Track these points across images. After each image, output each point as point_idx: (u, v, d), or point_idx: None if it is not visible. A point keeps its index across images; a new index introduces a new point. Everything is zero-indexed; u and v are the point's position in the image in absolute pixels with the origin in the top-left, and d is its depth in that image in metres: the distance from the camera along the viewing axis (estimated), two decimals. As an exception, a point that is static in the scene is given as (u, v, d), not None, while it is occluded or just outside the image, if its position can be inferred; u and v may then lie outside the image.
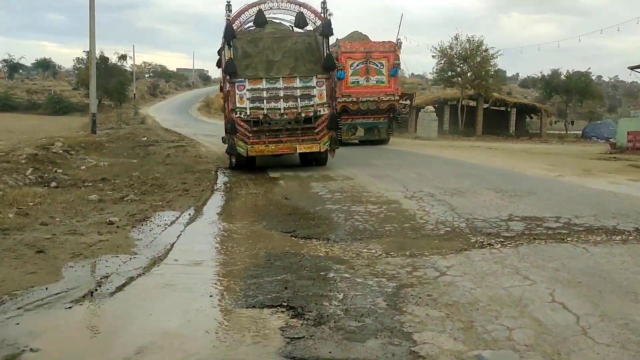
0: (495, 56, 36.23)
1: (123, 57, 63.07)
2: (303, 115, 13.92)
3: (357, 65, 21.95)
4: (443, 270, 5.79)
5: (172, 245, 6.83)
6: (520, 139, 36.65)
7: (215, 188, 11.76)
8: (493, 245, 6.79)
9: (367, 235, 7.44)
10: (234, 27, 13.78)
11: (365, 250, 6.67)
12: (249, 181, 12.94)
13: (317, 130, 14.11)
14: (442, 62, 36.96)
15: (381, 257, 6.32)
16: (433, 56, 36.91)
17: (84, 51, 57.83)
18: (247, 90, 13.59)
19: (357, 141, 23.07)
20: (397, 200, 9.98)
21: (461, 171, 14.27)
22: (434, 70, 37.98)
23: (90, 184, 11.54)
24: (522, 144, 32.09)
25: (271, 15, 14.54)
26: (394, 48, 22.82)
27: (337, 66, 16.23)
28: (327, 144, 14.28)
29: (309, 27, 14.51)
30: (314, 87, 13.87)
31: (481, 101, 38.68)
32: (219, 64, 16.24)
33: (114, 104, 54.99)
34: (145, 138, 26.33)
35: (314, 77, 13.87)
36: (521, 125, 42.03)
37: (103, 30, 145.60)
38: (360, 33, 24.65)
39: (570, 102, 40.47)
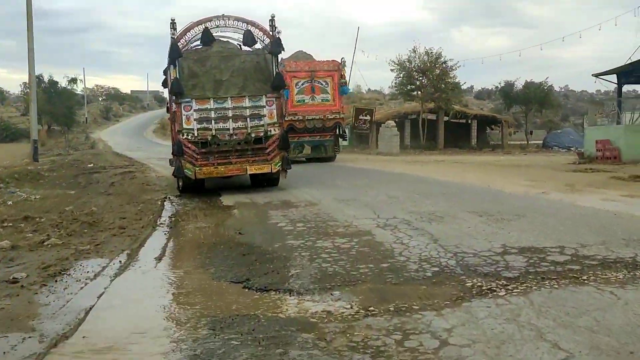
0: (454, 68, 35.51)
1: (73, 81, 60.34)
2: (253, 135, 13.36)
3: (302, 84, 21.93)
4: (443, 336, 4.32)
5: (86, 313, 5.18)
6: (482, 151, 35.88)
7: (158, 223, 10.08)
8: (496, 291, 5.37)
9: (338, 281, 5.93)
10: (180, 46, 13.10)
11: (338, 305, 5.18)
12: (199, 211, 11.38)
13: (268, 150, 13.55)
14: (401, 75, 36.00)
15: (359, 318, 4.82)
16: (392, 70, 35.94)
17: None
18: (194, 110, 12.99)
19: (304, 159, 22.68)
20: (369, 230, 8.53)
21: (434, 190, 12.96)
22: (393, 84, 37.01)
23: (10, 224, 9.75)
24: (486, 156, 31.22)
25: (219, 34, 13.83)
26: (338, 67, 22.83)
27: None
28: (279, 164, 13.68)
29: (258, 46, 13.85)
30: (264, 107, 13.34)
31: (442, 114, 37.81)
32: (164, 84, 15.44)
33: (62, 129, 52.68)
34: (92, 165, 24.57)
35: (264, 96, 13.36)
36: (482, 137, 41.32)
37: (53, 54, 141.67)
38: (305, 52, 24.55)
39: (529, 112, 39.92)
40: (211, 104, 13.08)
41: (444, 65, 35.30)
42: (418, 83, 35.82)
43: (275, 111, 13.45)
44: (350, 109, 42.76)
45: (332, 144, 23.28)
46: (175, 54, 13.02)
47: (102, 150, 37.47)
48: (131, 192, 14.69)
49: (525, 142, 39.39)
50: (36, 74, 55.63)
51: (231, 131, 13.14)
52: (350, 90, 25.54)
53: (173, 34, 13.04)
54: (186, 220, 10.40)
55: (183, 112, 13.01)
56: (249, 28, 13.45)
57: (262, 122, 13.31)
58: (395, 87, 37.18)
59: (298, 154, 21.84)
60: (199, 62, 13.41)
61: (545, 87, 38.82)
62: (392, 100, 74.42)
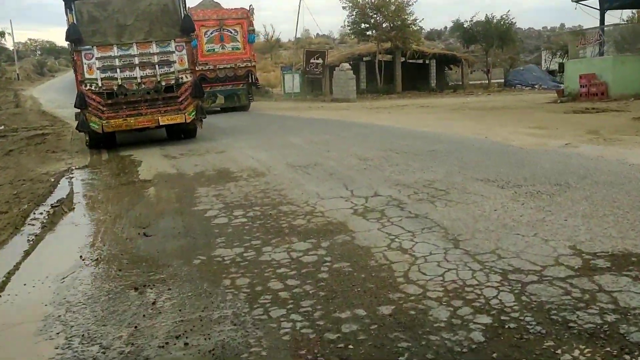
0: (411, 3, 32.02)
1: (1, 34, 54.96)
2: (163, 83, 12.31)
3: (211, 33, 21.31)
4: None
5: None
6: (444, 93, 32.98)
7: (31, 218, 6.68)
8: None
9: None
10: None
11: None
12: (101, 191, 8.10)
13: (180, 99, 12.48)
14: (354, 13, 32.35)
15: None
16: (343, 7, 32.29)
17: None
18: (96, 59, 11.93)
19: (218, 109, 22.07)
20: (344, 222, 5.41)
21: (419, 147, 9.86)
22: (345, 23, 33.37)
23: None
24: (450, 98, 28.36)
25: None
26: (247, 14, 22.11)
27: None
28: (193, 113, 12.62)
29: None
30: (173, 52, 12.32)
31: (398, 54, 34.51)
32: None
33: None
34: (2, 127, 20.48)
35: (172, 41, 12.31)
36: (440, 78, 38.29)
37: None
38: (212, 0, 23.59)
39: (489, 49, 36.96)
40: (115, 51, 11.99)
41: (399, 1, 31.82)
42: (373, 21, 32.29)
43: (185, 57, 12.40)
44: (300, 53, 39.23)
45: (246, 93, 22.62)
46: None
47: (28, 108, 32.98)
48: (25, 164, 11.18)
49: (487, 82, 36.59)
50: None
51: (139, 80, 12.10)
52: (255, 40, 24.72)
53: None
54: (76, 209, 7.09)
55: (84, 60, 11.88)
56: None
57: (172, 69, 12.28)
58: (348, 26, 33.58)
59: (211, 104, 21.15)
60: (99, 6, 12.14)
61: (507, 22, 35.78)
62: (342, 44, 70.67)
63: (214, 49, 21.30)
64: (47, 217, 6.62)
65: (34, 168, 10.57)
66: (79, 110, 12.48)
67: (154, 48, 12.23)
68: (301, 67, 33.71)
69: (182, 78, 12.39)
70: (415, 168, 7.81)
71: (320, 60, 32.86)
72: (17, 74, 61.45)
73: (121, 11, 12.23)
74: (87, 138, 12.92)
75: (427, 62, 37.05)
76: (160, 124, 12.62)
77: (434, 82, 36.27)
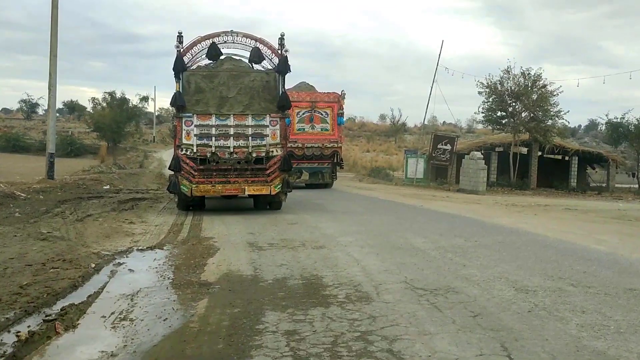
0: (556, 93, 28.49)
1: (145, 99, 57.71)
2: (254, 155, 12.45)
3: (303, 114, 21.65)
4: None
5: None
6: (586, 194, 28.57)
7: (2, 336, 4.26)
8: None
9: None
10: (185, 60, 12.56)
11: None
12: (138, 295, 5.58)
13: (268, 172, 12.56)
14: (490, 99, 29.29)
15: None
16: (479, 92, 29.30)
17: (104, 92, 52.51)
18: (195, 126, 12.25)
19: (303, 184, 22.12)
20: None
21: (608, 279, 6.47)
22: (480, 110, 30.28)
23: None
24: (597, 201, 24.10)
25: (226, 50, 13.07)
26: (338, 99, 22.40)
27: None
28: (279, 186, 12.62)
29: (265, 63, 13.15)
30: (267, 126, 12.52)
31: (536, 147, 30.77)
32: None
33: (126, 146, 49.15)
34: (108, 186, 19.24)
35: (268, 115, 12.52)
36: (580, 178, 33.84)
37: (137, 74, 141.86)
38: (307, 83, 24.04)
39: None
40: (213, 121, 12.30)
41: (543, 90, 28.46)
42: (510, 109, 29.09)
43: (278, 131, 12.57)
44: (426, 139, 36.55)
45: (330, 172, 22.82)
46: (179, 67, 12.41)
47: (149, 170, 32.69)
48: (87, 235, 9.11)
49: (638, 186, 31.66)
50: (110, 91, 53.46)
51: (231, 149, 12.30)
52: (344, 122, 25.44)
53: (178, 46, 12.46)
54: (79, 328, 4.57)
55: (184, 126, 12.28)
56: (257, 45, 12.82)
57: (264, 142, 12.45)
58: (482, 113, 30.51)
59: (296, 179, 21.32)
60: (207, 78, 12.74)
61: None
62: (470, 134, 67.40)
63: (304, 129, 21.63)
64: (15, 345, 4.09)
65: (90, 244, 8.44)
66: (172, 172, 12.61)
67: (250, 121, 12.44)
68: (427, 152, 30.89)
69: (272, 152, 12.49)
70: (622, 324, 4.58)
71: (448, 147, 29.88)
72: (154, 136, 63.79)
73: (226, 84, 12.62)
74: (177, 200, 13.22)
75: (566, 158, 32.87)
76: (246, 193, 12.57)
77: (574, 181, 31.90)
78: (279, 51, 12.72)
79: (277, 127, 12.57)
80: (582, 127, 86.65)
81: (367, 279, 6.30)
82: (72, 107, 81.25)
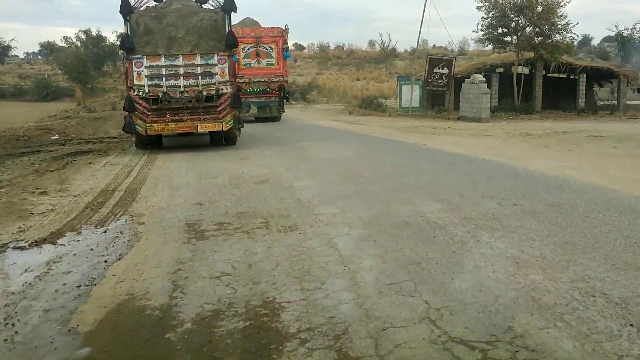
0: (563, 4, 24.94)
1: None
2: (205, 93, 12.50)
3: (249, 49, 21.97)
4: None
5: None
6: (600, 116, 25.60)
7: None
8: None
9: None
10: (132, 2, 12.34)
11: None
12: None
13: (219, 108, 12.62)
14: (490, 15, 25.73)
15: None
16: (478, 8, 25.67)
17: (79, 30, 48.49)
18: (145, 67, 12.29)
19: (253, 118, 22.35)
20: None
21: None
22: (479, 27, 26.72)
23: None
24: (611, 122, 21.18)
25: None
26: (282, 33, 22.46)
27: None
28: (231, 122, 12.71)
29: (209, 4, 12.87)
30: (216, 65, 12.58)
31: (540, 67, 27.51)
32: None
33: (105, 87, 45.66)
34: (57, 137, 16.19)
35: (216, 54, 12.58)
36: (587, 97, 30.73)
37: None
38: (252, 19, 24.40)
39: (654, 64, 28.97)
40: (162, 61, 12.35)
41: (548, 0, 24.92)
42: (513, 25, 25.58)
43: (227, 69, 12.64)
44: (420, 63, 33.19)
45: (277, 105, 23.03)
46: (125, 9, 12.26)
47: (120, 111, 29.40)
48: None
49: (649, 103, 28.66)
50: (85, 29, 49.56)
51: (182, 88, 12.39)
52: (290, 57, 25.75)
53: None
54: None
55: (134, 68, 12.31)
56: None
57: (213, 80, 12.54)
58: (481, 30, 26.94)
59: (245, 114, 20.75)
60: (155, 19, 12.47)
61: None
62: (462, 56, 63.29)
63: (250, 64, 21.93)
64: None
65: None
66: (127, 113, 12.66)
67: (198, 60, 12.49)
68: (422, 77, 27.60)
69: (222, 89, 12.60)
70: None
71: (445, 70, 26.56)
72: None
73: (174, 24, 12.47)
74: (134, 139, 13.34)
75: (573, 77, 29.67)
76: (199, 130, 12.77)
77: (582, 101, 28.82)
78: None
79: (226, 65, 12.62)
80: (575, 43, 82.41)
81: (361, 314, 3.46)
82: (50, 49, 76.55)
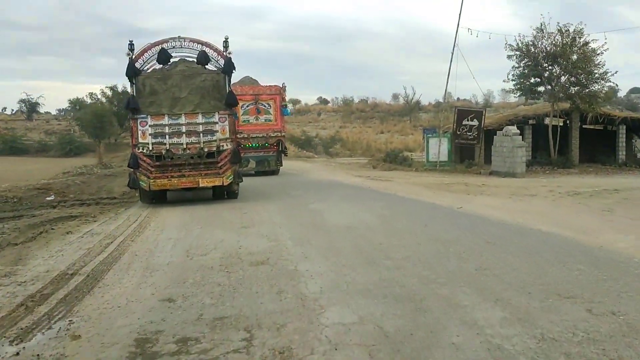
0: (600, 52, 23.11)
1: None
2: (206, 150, 12.84)
3: (248, 106, 22.19)
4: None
5: None
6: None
7: None
8: None
9: None
10: (137, 66, 12.73)
11: None
12: None
13: (220, 164, 12.95)
14: (522, 64, 23.95)
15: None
16: (509, 57, 23.97)
17: (105, 87, 48.33)
18: (150, 126, 12.61)
19: (252, 172, 22.38)
20: None
21: None
22: (510, 77, 24.91)
23: None
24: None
25: (175, 54, 13.11)
26: (280, 91, 22.96)
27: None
28: (231, 177, 13.03)
29: (210, 65, 13.19)
30: (217, 123, 12.91)
31: (576, 117, 25.51)
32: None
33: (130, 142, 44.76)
34: (53, 197, 14.69)
35: (217, 113, 12.92)
36: (627, 149, 28.48)
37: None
38: (251, 78, 24.97)
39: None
40: (166, 120, 12.65)
41: (585, 48, 23.14)
42: (547, 74, 23.78)
43: (227, 127, 12.99)
44: (444, 116, 31.53)
45: (275, 159, 23.29)
46: (130, 72, 12.67)
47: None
48: None
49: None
50: (112, 85, 49.57)
51: (184, 146, 12.70)
52: (289, 113, 26.56)
53: (129, 54, 12.70)
54: None
55: (139, 127, 12.63)
56: (204, 49, 13.11)
57: (214, 138, 12.85)
58: (512, 80, 25.08)
59: (244, 167, 20.83)
60: (161, 80, 12.85)
61: None
62: (487, 108, 61.49)
63: (249, 120, 22.16)
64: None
65: None
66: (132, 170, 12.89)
67: (200, 119, 12.78)
68: (450, 130, 25.77)
69: (222, 146, 12.83)
70: None
71: (475, 122, 24.71)
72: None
73: (178, 85, 12.78)
74: (138, 194, 13.57)
75: (611, 128, 27.55)
76: (200, 185, 12.94)
77: (622, 154, 26.60)
78: (224, 53, 13.00)
79: (226, 123, 12.93)
80: (618, 92, 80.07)
81: None
82: (79, 105, 77.20)
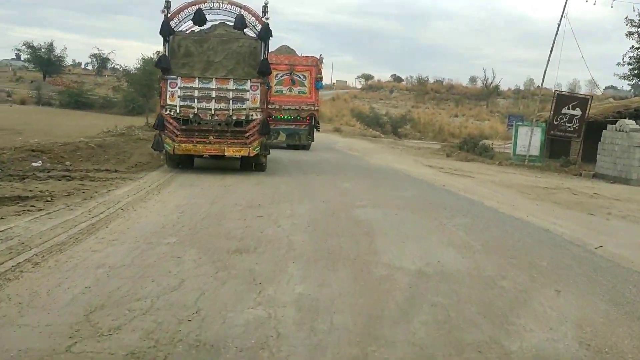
0: None
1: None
2: (234, 117, 12.23)
3: (282, 77, 21.09)
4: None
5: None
6: None
7: None
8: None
9: None
10: (172, 25, 12.27)
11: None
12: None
13: (247, 134, 12.30)
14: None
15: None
16: (629, 34, 19.20)
17: (157, 51, 45.79)
18: (179, 87, 12.21)
19: (284, 145, 21.28)
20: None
21: None
22: (625, 60, 20.09)
23: None
24: None
25: (211, 16, 12.74)
26: (316, 63, 21.75)
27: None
28: (257, 149, 12.37)
29: (248, 30, 12.72)
30: (248, 91, 12.35)
31: None
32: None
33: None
34: (40, 163, 11.63)
35: (249, 80, 12.34)
36: None
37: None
38: (288, 47, 23.11)
39: None
40: (196, 83, 12.17)
41: None
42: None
43: (258, 96, 12.38)
44: (524, 103, 26.73)
45: (306, 134, 21.91)
46: (165, 31, 12.23)
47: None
48: None
49: None
50: None
51: (213, 111, 12.19)
52: (322, 87, 23.17)
53: (164, 11, 12.26)
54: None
55: (168, 88, 12.18)
56: (242, 12, 12.53)
57: (244, 106, 12.28)
58: (629, 63, 20.22)
59: (273, 140, 19.67)
60: (197, 43, 12.43)
61: None
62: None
63: (282, 91, 21.11)
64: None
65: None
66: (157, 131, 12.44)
67: (231, 85, 12.26)
68: (547, 118, 21.12)
69: (252, 115, 12.26)
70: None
71: (577, 112, 20.02)
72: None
73: (214, 49, 12.34)
74: (163, 157, 13.19)
75: None
76: (225, 154, 12.41)
77: None
78: (262, 18, 12.42)
79: (258, 92, 12.30)
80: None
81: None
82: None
